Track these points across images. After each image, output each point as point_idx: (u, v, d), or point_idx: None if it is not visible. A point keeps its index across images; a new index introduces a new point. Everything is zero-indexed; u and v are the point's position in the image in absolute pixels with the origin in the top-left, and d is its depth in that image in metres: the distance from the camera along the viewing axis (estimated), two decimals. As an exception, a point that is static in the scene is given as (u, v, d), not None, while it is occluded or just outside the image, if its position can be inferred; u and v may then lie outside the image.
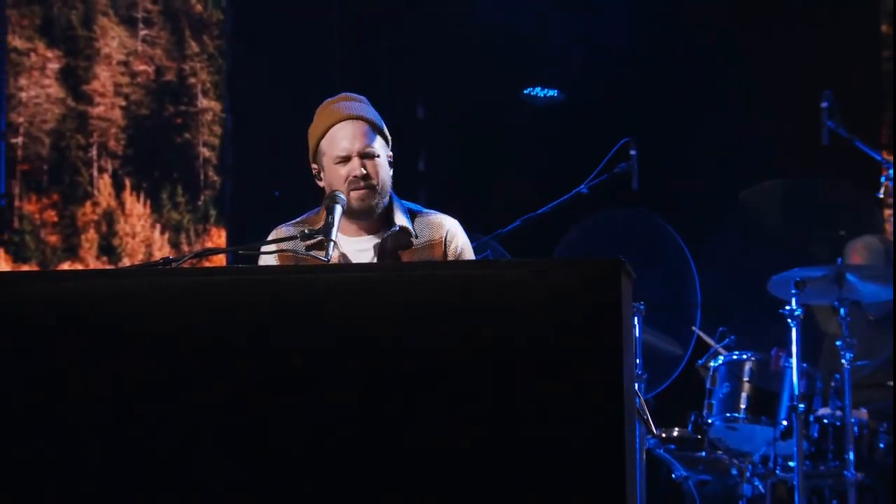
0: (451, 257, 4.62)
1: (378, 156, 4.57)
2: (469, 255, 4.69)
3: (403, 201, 4.72)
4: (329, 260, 4.36)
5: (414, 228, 4.64)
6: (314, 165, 4.68)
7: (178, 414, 3.41)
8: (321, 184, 4.68)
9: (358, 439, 3.34)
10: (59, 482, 3.42)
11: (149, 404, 3.42)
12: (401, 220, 4.62)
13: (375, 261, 4.58)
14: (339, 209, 4.47)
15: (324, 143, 4.60)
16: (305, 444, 3.35)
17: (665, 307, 7.02)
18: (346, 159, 4.56)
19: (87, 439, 3.42)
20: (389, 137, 4.68)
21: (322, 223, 4.54)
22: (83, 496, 3.42)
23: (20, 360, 3.46)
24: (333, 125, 4.59)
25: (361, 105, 4.66)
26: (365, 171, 4.54)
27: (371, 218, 4.59)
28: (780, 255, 7.26)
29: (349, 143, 4.56)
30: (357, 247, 4.61)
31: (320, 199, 4.65)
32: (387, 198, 4.62)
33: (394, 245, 4.60)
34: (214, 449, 3.38)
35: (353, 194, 4.54)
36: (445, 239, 4.64)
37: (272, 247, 4.57)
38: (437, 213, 4.73)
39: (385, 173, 4.59)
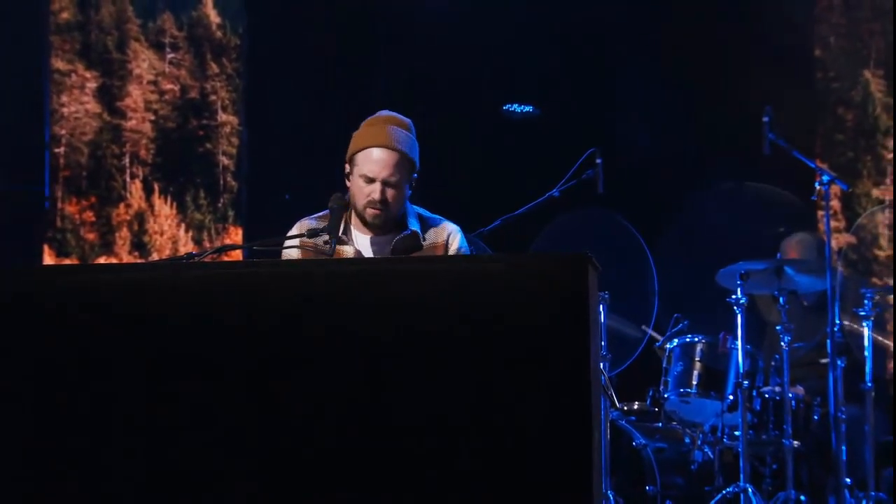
0: None
1: (399, 186, 4.54)
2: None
3: (415, 207, 4.72)
4: (332, 255, 4.36)
5: (422, 232, 4.64)
6: (347, 166, 4.65)
7: (201, 390, 3.40)
8: (348, 184, 4.65)
9: (357, 413, 3.34)
10: (89, 453, 3.42)
11: (174, 383, 3.41)
12: (412, 225, 4.62)
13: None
14: (340, 211, 4.48)
15: (359, 157, 4.56)
16: (311, 417, 3.35)
17: (627, 296, 7.02)
18: (371, 180, 4.53)
19: (117, 414, 3.42)
20: (416, 165, 4.62)
21: (329, 221, 4.55)
22: (112, 466, 3.41)
23: (62, 342, 3.46)
24: (373, 146, 4.55)
25: (403, 134, 4.59)
26: (383, 197, 4.52)
27: (380, 229, 4.60)
28: (727, 251, 7.26)
29: (379, 169, 4.52)
30: (374, 245, 4.60)
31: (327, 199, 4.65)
32: (397, 215, 4.60)
33: (405, 246, 4.59)
34: (231, 423, 3.38)
35: (369, 211, 4.53)
36: (447, 242, 4.65)
37: (292, 242, 4.56)
38: (443, 219, 4.73)
39: (400, 198, 4.57)
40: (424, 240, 4.62)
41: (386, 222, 4.57)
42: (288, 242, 4.55)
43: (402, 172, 4.55)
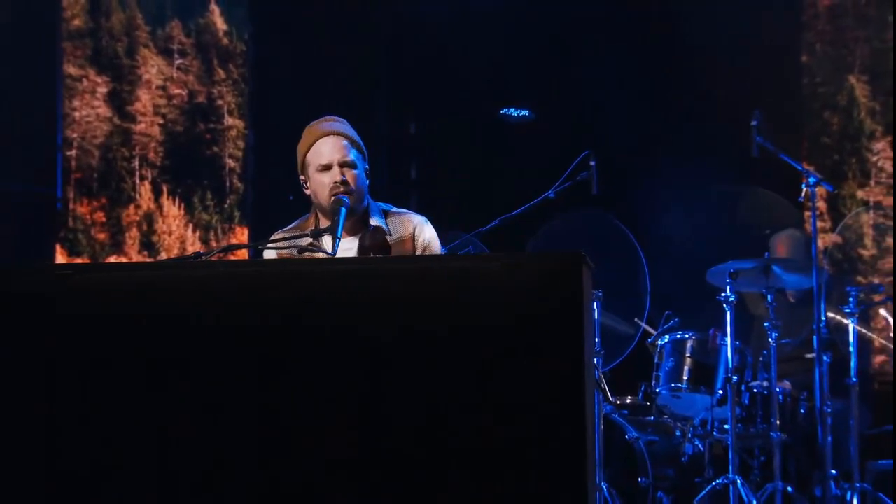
0: (419, 249, 4.60)
1: (356, 166, 4.56)
2: (435, 247, 4.66)
3: (379, 203, 4.71)
4: (335, 254, 4.35)
5: (388, 226, 4.62)
6: (302, 177, 4.67)
7: (205, 387, 3.40)
8: (307, 192, 4.67)
9: (357, 410, 3.33)
10: (94, 451, 3.41)
11: (180, 380, 3.41)
12: (375, 220, 4.61)
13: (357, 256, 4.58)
14: (343, 211, 4.46)
15: (310, 155, 4.60)
16: (312, 414, 3.34)
17: (619, 294, 7.01)
18: (327, 167, 4.55)
19: (122, 411, 3.41)
20: (366, 153, 4.66)
21: (313, 227, 4.55)
22: (117, 463, 3.41)
23: (72, 338, 3.45)
24: (318, 139, 4.59)
25: (342, 124, 4.66)
26: (344, 178, 4.53)
27: (351, 218, 4.57)
28: (717, 250, 7.26)
29: (332, 153, 4.55)
30: (342, 246, 4.59)
31: (309, 206, 4.67)
32: (363, 202, 4.60)
33: (371, 242, 4.59)
34: (234, 420, 3.38)
35: (334, 198, 4.54)
36: (414, 234, 4.62)
37: (278, 245, 4.56)
38: (408, 211, 4.72)
39: (361, 181, 4.57)
40: (391, 234, 4.61)
41: (353, 208, 4.54)
42: (271, 246, 4.56)
43: (355, 154, 4.58)
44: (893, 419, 6.82)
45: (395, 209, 4.70)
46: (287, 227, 4.69)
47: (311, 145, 4.60)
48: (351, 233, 4.61)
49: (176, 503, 3.37)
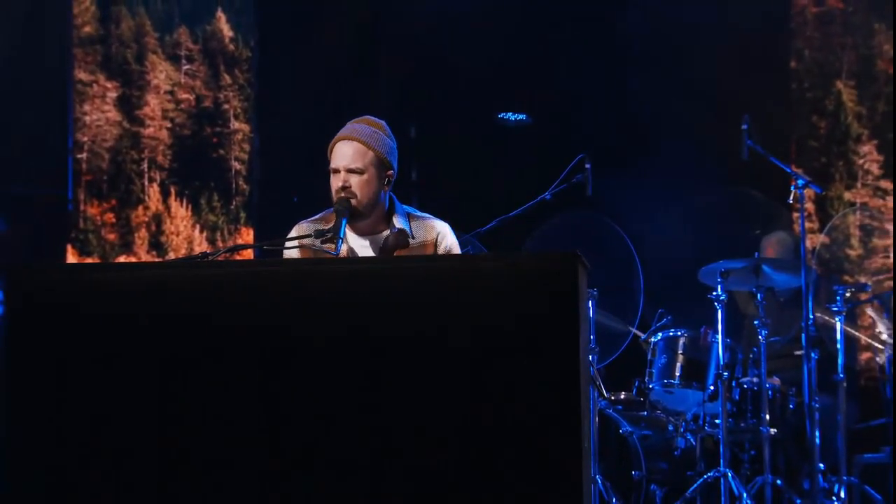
0: None
1: (363, 173, 4.52)
2: (456, 253, 4.66)
3: (405, 206, 4.69)
4: (338, 254, 4.34)
5: (411, 230, 4.61)
6: None
7: (210, 385, 3.40)
8: None
9: (358, 408, 3.34)
10: (104, 445, 3.42)
11: (187, 376, 3.41)
12: (399, 222, 4.59)
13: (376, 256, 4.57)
14: (345, 220, 4.46)
15: (330, 156, 4.59)
16: (314, 411, 3.35)
17: (614, 292, 7.02)
18: (336, 171, 4.54)
19: (131, 407, 3.41)
20: (389, 160, 4.57)
21: (334, 223, 4.53)
22: (125, 459, 3.41)
23: (83, 336, 3.46)
24: (337, 142, 4.58)
25: (367, 128, 4.58)
26: (346, 185, 4.51)
27: (360, 221, 4.56)
28: (709, 250, 7.26)
29: (340, 159, 4.53)
30: (362, 243, 4.58)
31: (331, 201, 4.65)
32: (372, 206, 4.56)
33: (393, 243, 4.57)
34: (239, 417, 3.38)
35: (338, 200, 4.52)
36: (437, 240, 4.60)
37: (295, 242, 4.54)
38: (432, 217, 4.69)
39: (368, 188, 4.51)
40: (413, 238, 4.59)
41: (357, 214, 4.52)
42: (290, 244, 4.53)
43: (366, 162, 4.51)
44: (894, 414, 6.83)
45: (419, 214, 4.67)
46: (312, 218, 4.66)
47: (333, 147, 4.58)
48: (369, 232, 4.58)
49: (178, 500, 3.37)
